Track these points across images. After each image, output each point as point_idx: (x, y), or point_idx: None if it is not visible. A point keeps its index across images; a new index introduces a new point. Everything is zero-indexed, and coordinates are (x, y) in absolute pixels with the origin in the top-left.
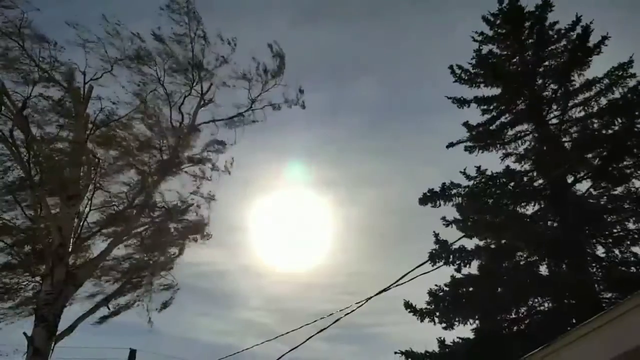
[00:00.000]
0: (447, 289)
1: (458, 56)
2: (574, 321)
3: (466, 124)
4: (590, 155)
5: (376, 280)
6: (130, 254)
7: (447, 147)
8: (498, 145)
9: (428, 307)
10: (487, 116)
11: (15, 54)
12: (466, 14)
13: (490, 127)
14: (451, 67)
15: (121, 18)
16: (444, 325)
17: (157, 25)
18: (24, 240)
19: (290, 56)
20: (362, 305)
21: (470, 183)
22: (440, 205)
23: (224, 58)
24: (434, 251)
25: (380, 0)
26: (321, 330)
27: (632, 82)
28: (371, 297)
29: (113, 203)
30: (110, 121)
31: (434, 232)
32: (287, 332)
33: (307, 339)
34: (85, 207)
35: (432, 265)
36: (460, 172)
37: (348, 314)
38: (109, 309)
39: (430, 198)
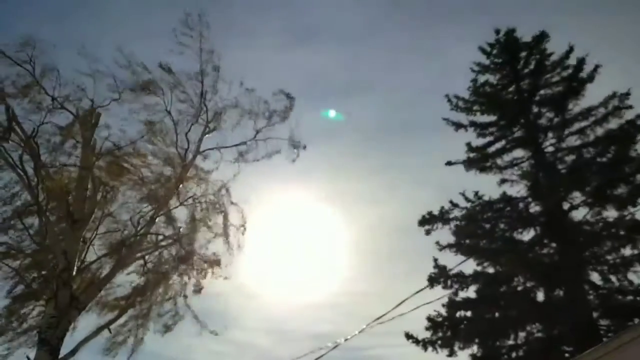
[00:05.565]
0: (445, 312)
1: (454, 79)
2: (571, 349)
3: (468, 145)
4: (586, 183)
5: (375, 300)
6: (133, 279)
7: (446, 164)
8: (495, 170)
9: (429, 337)
10: (483, 140)
11: (25, 81)
12: (462, 39)
13: (487, 150)
14: (447, 96)
15: (133, 43)
16: (446, 353)
17: (168, 53)
18: (31, 265)
19: (286, 74)
20: (359, 333)
21: (468, 205)
22: (437, 228)
23: (236, 100)
24: (432, 275)
25: (377, 23)
26: (320, 357)
27: (628, 114)
28: (371, 324)
29: (118, 229)
30: (117, 148)
31: (433, 257)
32: None
33: None
34: (92, 231)
35: (431, 288)
36: (460, 193)
37: (347, 339)
38: (110, 332)
39: (428, 221)
